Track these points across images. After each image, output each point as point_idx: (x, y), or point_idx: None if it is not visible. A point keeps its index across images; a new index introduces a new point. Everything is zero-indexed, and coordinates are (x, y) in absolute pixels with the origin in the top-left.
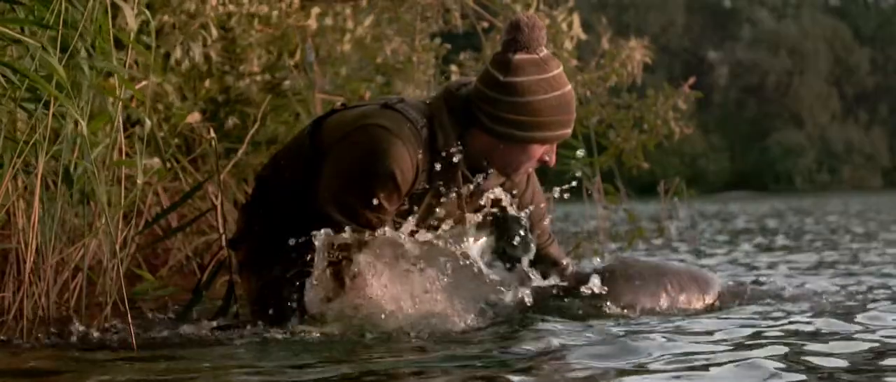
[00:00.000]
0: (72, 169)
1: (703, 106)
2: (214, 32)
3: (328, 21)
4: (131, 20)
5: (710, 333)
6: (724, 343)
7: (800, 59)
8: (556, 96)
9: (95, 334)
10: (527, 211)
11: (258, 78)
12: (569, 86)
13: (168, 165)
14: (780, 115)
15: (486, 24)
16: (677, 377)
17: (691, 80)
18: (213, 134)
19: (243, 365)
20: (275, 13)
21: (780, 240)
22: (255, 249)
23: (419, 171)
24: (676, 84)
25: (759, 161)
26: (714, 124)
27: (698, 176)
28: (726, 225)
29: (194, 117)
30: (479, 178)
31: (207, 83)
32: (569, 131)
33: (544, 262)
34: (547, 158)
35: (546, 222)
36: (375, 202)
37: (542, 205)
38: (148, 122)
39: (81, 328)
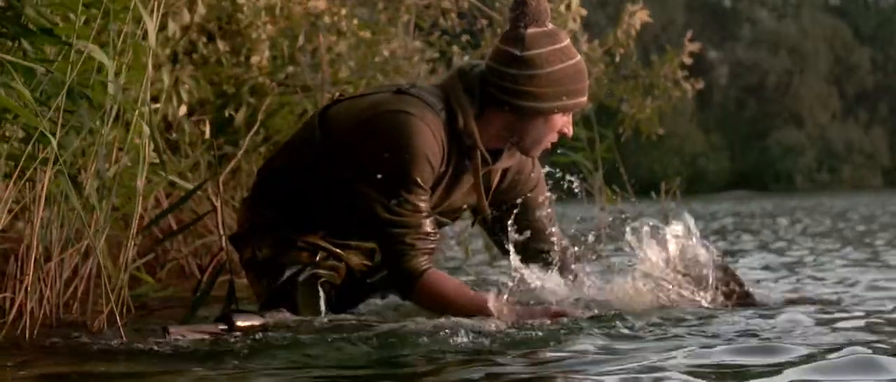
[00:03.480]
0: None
1: (703, 105)
2: (202, 9)
3: (326, 19)
4: (152, 36)
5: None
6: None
7: (800, 58)
8: (571, 65)
9: (94, 335)
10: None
11: (267, 71)
12: (579, 55)
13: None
14: (780, 115)
15: (485, 22)
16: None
17: (690, 34)
18: (206, 128)
19: (247, 368)
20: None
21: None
22: (260, 247)
23: (444, 153)
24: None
25: (759, 160)
26: (714, 124)
27: (698, 175)
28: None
29: (181, 111)
30: (505, 159)
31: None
32: (586, 98)
33: (546, 243)
34: (566, 130)
35: (547, 204)
36: (418, 185)
37: (544, 186)
38: (146, 129)
39: (81, 329)
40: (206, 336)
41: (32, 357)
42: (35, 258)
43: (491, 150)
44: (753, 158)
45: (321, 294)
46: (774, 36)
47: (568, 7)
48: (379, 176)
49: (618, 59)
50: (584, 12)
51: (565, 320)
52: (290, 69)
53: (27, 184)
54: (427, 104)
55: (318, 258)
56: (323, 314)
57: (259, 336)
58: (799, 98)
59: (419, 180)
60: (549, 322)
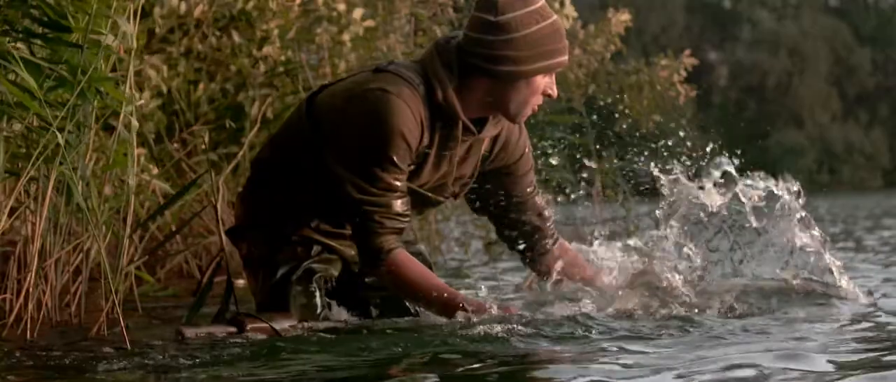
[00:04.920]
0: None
1: (702, 106)
2: None
3: (323, 10)
4: (133, 39)
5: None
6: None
7: (800, 59)
8: (548, 25)
9: (94, 337)
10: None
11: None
12: (555, 15)
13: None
14: (780, 115)
15: None
16: None
17: (687, 52)
18: (206, 137)
19: (247, 367)
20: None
21: None
22: (255, 243)
23: (423, 128)
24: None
25: (759, 161)
26: (714, 124)
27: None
28: None
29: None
30: (491, 127)
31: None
32: (566, 58)
33: (530, 212)
34: (550, 91)
35: (532, 173)
36: (392, 163)
37: (530, 156)
38: (134, 122)
39: (81, 331)
40: (218, 337)
41: (32, 359)
42: (35, 258)
43: (476, 120)
44: (753, 159)
45: (317, 291)
46: (774, 37)
47: (562, 4)
48: (354, 154)
49: (609, 56)
50: (574, 14)
51: (514, 320)
52: (292, 64)
53: (26, 183)
54: (404, 80)
55: (312, 252)
56: (319, 309)
57: (266, 339)
58: (799, 99)
59: (394, 158)
60: (503, 317)
